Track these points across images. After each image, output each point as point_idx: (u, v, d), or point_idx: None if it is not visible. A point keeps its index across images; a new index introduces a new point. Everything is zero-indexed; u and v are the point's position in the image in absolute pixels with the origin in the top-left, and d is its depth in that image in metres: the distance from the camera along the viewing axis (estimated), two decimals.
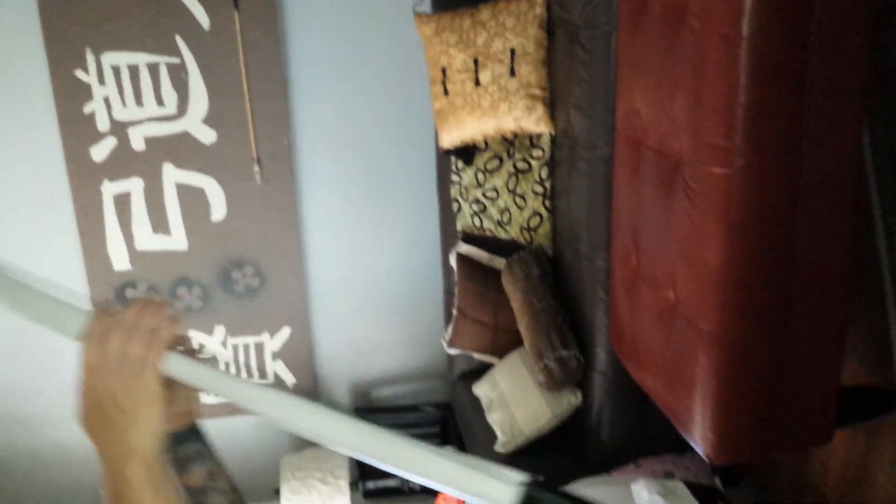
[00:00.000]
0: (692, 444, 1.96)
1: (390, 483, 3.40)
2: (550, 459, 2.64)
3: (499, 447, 2.73)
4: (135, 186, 3.15)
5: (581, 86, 2.37)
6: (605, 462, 2.52)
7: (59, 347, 3.27)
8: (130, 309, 0.89)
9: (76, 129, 3.05)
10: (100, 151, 3.09)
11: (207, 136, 3.12)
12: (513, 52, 2.57)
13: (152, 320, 0.88)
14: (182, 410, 1.01)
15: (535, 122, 2.60)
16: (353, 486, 3.23)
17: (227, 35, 3.01)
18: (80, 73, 2.99)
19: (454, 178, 3.01)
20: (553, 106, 2.59)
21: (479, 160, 2.89)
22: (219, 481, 1.11)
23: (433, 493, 3.33)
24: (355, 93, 3.19)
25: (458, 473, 0.90)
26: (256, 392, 0.92)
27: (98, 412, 0.87)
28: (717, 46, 1.65)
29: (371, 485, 3.26)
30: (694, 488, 2.42)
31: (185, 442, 1.08)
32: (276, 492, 3.17)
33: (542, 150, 2.68)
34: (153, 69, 3.02)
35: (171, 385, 0.92)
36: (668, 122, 1.86)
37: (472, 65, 2.65)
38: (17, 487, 3.49)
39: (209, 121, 3.10)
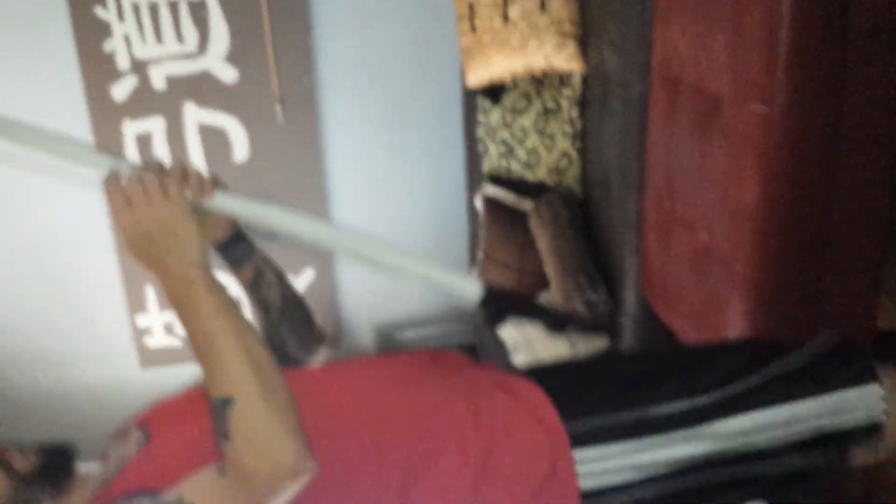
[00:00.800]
0: None
1: None
2: None
3: None
4: (156, 126, 3.11)
5: (615, 21, 2.29)
6: None
7: (85, 285, 3.32)
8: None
9: (96, 67, 3.01)
10: (120, 90, 3.05)
11: (228, 74, 3.07)
12: None
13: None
14: (221, 222, 1.24)
15: (565, 60, 2.53)
16: None
17: None
18: (99, 11, 2.94)
19: (480, 118, 2.95)
20: (585, 43, 2.52)
21: (507, 100, 2.83)
22: (267, 274, 1.33)
23: None
24: (380, 29, 3.12)
25: (436, 270, 1.24)
26: (283, 215, 1.20)
27: (147, 241, 1.02)
28: None
29: None
30: None
31: (233, 246, 1.28)
32: None
33: (573, 88, 2.62)
34: (173, 5, 2.96)
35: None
36: (708, 59, 1.80)
37: (500, 0, 2.58)
38: (39, 426, 3.55)
39: (230, 59, 3.05)
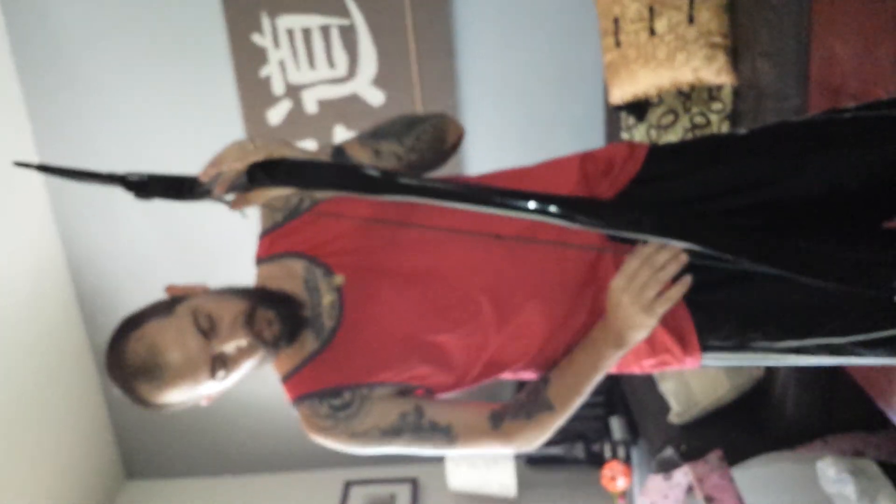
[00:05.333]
0: (894, 419, 1.79)
1: (553, 451, 3.37)
2: (728, 432, 2.50)
3: (672, 417, 2.63)
4: (308, 149, 3.23)
5: (769, 31, 2.18)
6: (789, 438, 2.36)
7: None
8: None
9: (253, 92, 3.17)
10: (276, 114, 3.20)
11: (376, 97, 3.15)
12: None
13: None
14: None
15: (715, 73, 2.43)
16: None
17: None
18: (256, 37, 3.10)
19: (624, 135, 2.88)
20: (736, 55, 2.41)
21: (653, 116, 2.75)
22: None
23: (598, 464, 3.27)
24: (522, 49, 3.12)
25: None
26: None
27: (622, 329, 1.25)
28: None
29: (535, 453, 3.25)
30: (887, 468, 2.24)
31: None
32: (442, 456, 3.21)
33: (723, 102, 2.50)
34: (325, 31, 3.08)
35: None
36: (873, 67, 1.68)
37: (646, 13, 2.51)
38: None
39: (378, 82, 3.13)
